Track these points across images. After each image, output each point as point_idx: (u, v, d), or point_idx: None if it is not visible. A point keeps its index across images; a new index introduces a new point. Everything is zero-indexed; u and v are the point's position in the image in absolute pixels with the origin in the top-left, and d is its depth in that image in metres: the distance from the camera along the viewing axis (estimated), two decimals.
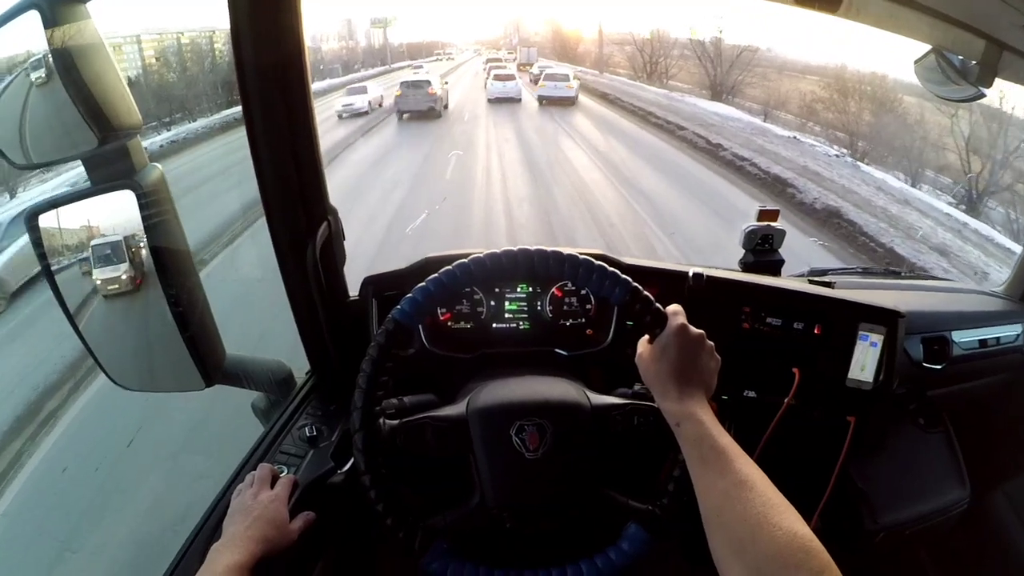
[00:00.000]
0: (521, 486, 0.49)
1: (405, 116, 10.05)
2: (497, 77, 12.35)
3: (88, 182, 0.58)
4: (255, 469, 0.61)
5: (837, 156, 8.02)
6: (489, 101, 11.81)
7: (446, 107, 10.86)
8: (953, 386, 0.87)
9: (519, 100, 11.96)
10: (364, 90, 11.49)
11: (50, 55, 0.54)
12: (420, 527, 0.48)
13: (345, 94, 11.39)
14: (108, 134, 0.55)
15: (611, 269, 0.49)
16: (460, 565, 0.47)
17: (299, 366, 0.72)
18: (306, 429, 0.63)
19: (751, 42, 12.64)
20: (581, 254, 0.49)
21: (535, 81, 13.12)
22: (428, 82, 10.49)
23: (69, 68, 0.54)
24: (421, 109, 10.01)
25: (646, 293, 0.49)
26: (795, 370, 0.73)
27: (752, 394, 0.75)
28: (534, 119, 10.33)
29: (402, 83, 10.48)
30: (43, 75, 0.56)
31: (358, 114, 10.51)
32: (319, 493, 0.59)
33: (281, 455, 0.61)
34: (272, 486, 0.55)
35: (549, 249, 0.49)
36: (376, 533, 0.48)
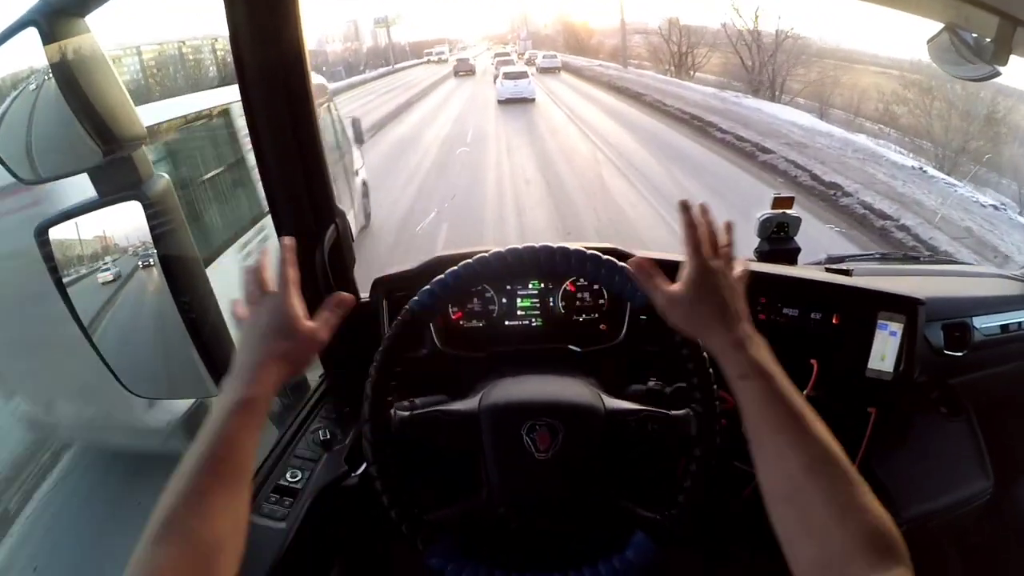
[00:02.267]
0: (528, 486, 0.49)
1: None
2: (507, 76, 11.28)
3: (95, 194, 0.59)
4: (271, 471, 0.62)
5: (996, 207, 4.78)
6: (499, 103, 10.69)
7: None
8: (975, 373, 0.85)
9: (533, 100, 10.80)
10: None
11: (51, 70, 0.55)
12: (424, 520, 0.47)
13: None
14: (113, 146, 0.55)
15: (620, 264, 0.48)
16: (461, 563, 0.47)
17: (311, 369, 0.72)
18: (319, 432, 0.63)
19: (792, 27, 10.33)
20: (590, 248, 0.49)
21: (532, 62, 17.34)
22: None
23: (70, 82, 0.54)
24: None
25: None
26: (813, 362, 0.71)
27: None
28: (560, 137, 7.92)
29: None
30: (46, 90, 0.57)
31: None
32: (333, 496, 0.59)
33: (295, 459, 0.61)
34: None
35: (572, 247, 0.48)
36: (390, 537, 0.48)
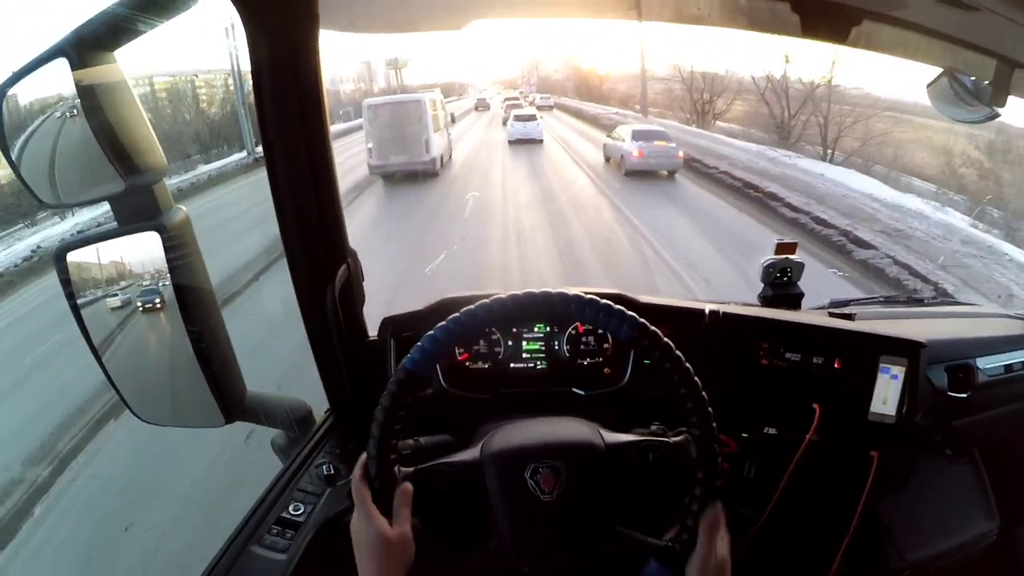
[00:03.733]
0: (537, 529, 0.49)
1: None
2: (518, 118, 12.02)
3: (115, 222, 0.60)
4: (274, 503, 0.61)
5: None
6: (510, 143, 11.11)
7: None
8: (980, 414, 0.84)
9: (541, 141, 11.14)
10: None
11: (78, 99, 0.56)
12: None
13: None
14: (134, 176, 0.57)
15: (617, 307, 0.48)
16: None
17: (319, 404, 0.73)
18: (324, 467, 0.63)
19: (825, 77, 8.98)
20: (589, 294, 0.49)
21: (533, 103, 18.58)
22: None
23: (96, 112, 0.56)
24: None
25: (653, 329, 0.49)
26: (816, 406, 0.72)
27: (772, 431, 0.74)
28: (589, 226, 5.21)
29: None
30: (71, 118, 0.58)
31: None
32: (335, 531, 0.59)
33: (299, 492, 0.61)
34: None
35: (555, 291, 0.49)
36: None
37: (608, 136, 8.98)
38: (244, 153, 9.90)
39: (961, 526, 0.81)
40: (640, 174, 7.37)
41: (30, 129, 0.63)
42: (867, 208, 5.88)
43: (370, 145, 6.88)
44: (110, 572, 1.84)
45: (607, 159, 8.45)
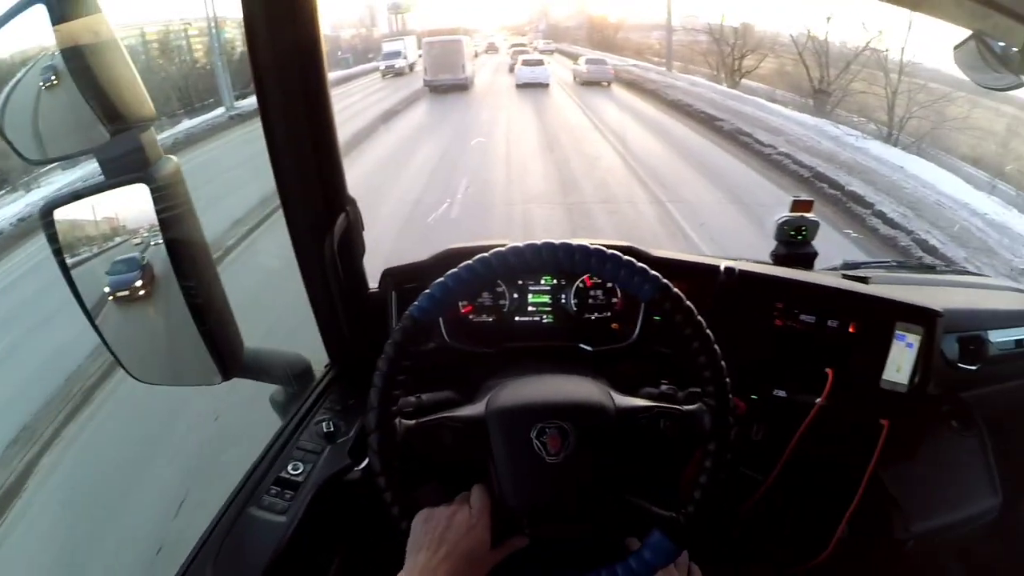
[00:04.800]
0: (540, 490, 0.48)
1: None
2: (526, 63, 12.65)
3: (102, 176, 0.58)
4: (272, 463, 0.61)
5: None
6: (518, 86, 11.77)
7: None
8: (988, 387, 0.83)
9: (547, 85, 11.78)
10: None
11: (58, 48, 0.54)
12: None
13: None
14: (121, 127, 0.54)
15: (640, 265, 0.47)
16: None
17: (318, 359, 0.71)
18: (324, 424, 0.62)
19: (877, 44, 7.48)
20: (608, 247, 0.47)
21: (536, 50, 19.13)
22: None
23: (79, 62, 0.53)
24: None
25: (676, 291, 0.47)
26: (829, 371, 0.70)
27: (782, 393, 0.73)
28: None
29: None
30: (53, 69, 0.55)
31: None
32: (335, 490, 0.58)
33: (298, 451, 0.60)
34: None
35: (575, 243, 0.47)
36: (392, 533, 0.48)
37: (574, 64, 13.28)
38: (221, 110, 8.44)
39: (965, 500, 0.81)
40: (591, 84, 11.45)
41: (11, 83, 0.60)
42: (971, 227, 4.34)
43: (425, 66, 11.46)
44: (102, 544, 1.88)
45: (575, 77, 12.33)
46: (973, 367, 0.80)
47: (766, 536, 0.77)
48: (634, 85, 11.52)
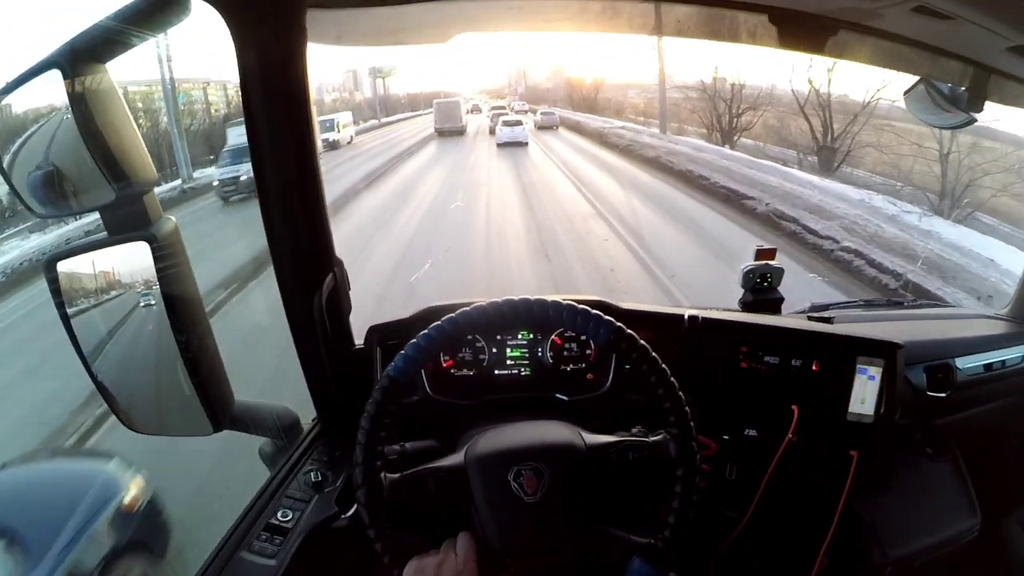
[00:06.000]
0: (522, 529, 0.50)
1: None
2: (506, 123, 13.75)
3: (104, 232, 0.61)
4: (262, 510, 0.62)
5: None
6: (499, 146, 12.44)
7: None
8: (960, 413, 0.86)
9: (526, 144, 12.51)
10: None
11: (70, 110, 0.57)
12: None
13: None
14: (124, 187, 0.58)
15: (594, 312, 0.50)
16: None
17: (306, 412, 0.73)
18: (311, 474, 0.64)
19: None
20: (568, 300, 0.51)
21: (522, 112, 20.04)
22: None
23: (88, 123, 0.57)
24: None
25: (630, 332, 0.50)
26: (794, 407, 0.73)
27: (753, 432, 0.76)
28: None
29: None
30: (63, 129, 0.59)
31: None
32: (323, 536, 0.59)
33: (287, 499, 0.62)
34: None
35: (533, 298, 0.50)
36: None
37: (533, 115, 16.41)
38: (178, 182, 7.47)
39: (943, 522, 0.82)
40: (546, 128, 14.47)
41: (22, 139, 0.64)
42: None
43: (436, 117, 15.62)
44: None
45: (534, 124, 14.91)
46: (942, 394, 0.83)
47: (748, 573, 0.78)
48: (629, 153, 9.47)
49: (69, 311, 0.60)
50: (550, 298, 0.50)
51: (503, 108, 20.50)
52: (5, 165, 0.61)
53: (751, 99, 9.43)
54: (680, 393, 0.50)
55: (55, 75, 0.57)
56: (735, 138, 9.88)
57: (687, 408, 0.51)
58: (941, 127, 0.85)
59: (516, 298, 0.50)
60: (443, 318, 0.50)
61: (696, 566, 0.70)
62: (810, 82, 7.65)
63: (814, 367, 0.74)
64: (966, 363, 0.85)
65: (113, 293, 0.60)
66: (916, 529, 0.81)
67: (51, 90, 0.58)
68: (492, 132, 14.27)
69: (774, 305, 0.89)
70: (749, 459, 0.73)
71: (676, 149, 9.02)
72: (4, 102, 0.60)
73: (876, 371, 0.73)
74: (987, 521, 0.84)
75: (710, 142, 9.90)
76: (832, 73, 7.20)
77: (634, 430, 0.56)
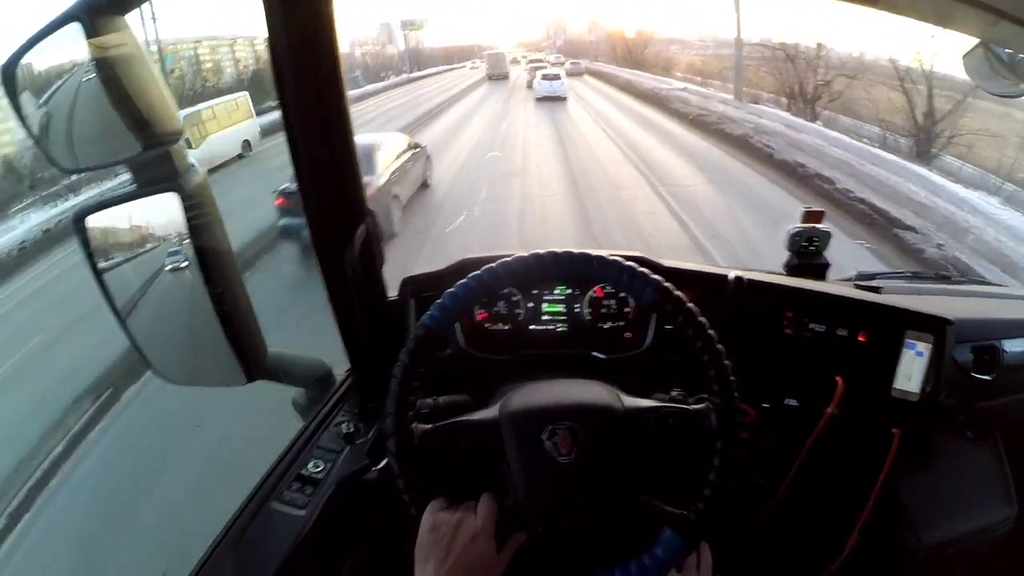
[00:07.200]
0: (553, 490, 0.49)
1: None
2: (545, 77, 13.88)
3: (134, 185, 0.60)
4: (294, 460, 0.63)
5: None
6: (537, 100, 12.70)
7: None
8: (1004, 397, 0.82)
9: (565, 98, 12.84)
10: None
11: (92, 64, 0.56)
12: None
13: None
14: (151, 139, 0.57)
15: (641, 269, 0.48)
16: None
17: (339, 364, 0.73)
18: (343, 426, 0.64)
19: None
20: (613, 255, 0.49)
21: (561, 64, 21.47)
22: None
23: (110, 76, 0.56)
24: None
25: (677, 293, 0.48)
26: (839, 379, 0.70)
27: (793, 402, 0.73)
28: None
29: None
30: (87, 83, 0.58)
31: None
32: (354, 488, 0.60)
33: (318, 449, 0.63)
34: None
35: (578, 251, 0.48)
36: (408, 531, 0.49)
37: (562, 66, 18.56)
38: None
39: (978, 510, 0.79)
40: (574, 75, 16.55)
41: (46, 96, 0.63)
42: None
43: (486, 65, 20.76)
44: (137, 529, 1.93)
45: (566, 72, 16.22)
46: (988, 377, 0.79)
47: (778, 545, 0.77)
48: (703, 127, 7.04)
49: (99, 265, 0.60)
50: (593, 252, 0.48)
51: (541, 61, 21.78)
52: (31, 123, 0.61)
53: (837, 65, 7.50)
54: (726, 362, 0.48)
55: (75, 29, 0.56)
56: (820, 110, 7.96)
57: (732, 378, 0.48)
58: (996, 94, 0.79)
59: (559, 250, 0.48)
60: (483, 268, 0.48)
61: (727, 535, 0.69)
62: (919, 60, 5.76)
63: (861, 338, 0.71)
64: (1013, 346, 0.80)
65: (145, 246, 0.60)
66: (951, 516, 0.78)
67: (71, 45, 0.57)
68: (529, 86, 14.47)
69: (820, 271, 0.84)
70: (788, 430, 0.71)
71: (766, 126, 6.35)
72: (25, 61, 0.59)
73: (925, 347, 0.69)
74: (1022, 513, 0.80)
75: (784, 109, 7.96)
76: (936, 43, 5.39)
77: (673, 393, 0.54)
